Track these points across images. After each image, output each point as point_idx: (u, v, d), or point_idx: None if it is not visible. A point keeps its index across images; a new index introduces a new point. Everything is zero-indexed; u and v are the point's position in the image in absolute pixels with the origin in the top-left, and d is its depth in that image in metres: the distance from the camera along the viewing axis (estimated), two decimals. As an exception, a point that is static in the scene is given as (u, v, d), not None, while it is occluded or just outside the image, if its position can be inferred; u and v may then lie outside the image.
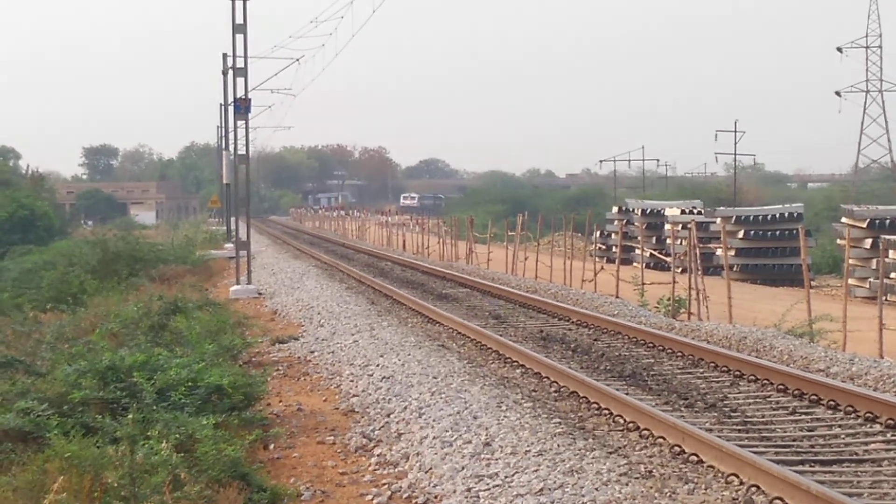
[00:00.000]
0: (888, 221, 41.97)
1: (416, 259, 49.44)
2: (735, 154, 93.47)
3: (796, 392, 14.85)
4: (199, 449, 11.27)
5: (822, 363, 17.07)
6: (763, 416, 13.74)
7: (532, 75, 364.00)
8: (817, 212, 72.16)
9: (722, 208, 57.03)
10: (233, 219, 53.56)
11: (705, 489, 10.46)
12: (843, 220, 44.00)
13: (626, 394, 14.57)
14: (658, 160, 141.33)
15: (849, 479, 10.81)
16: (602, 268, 35.80)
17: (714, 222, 49.49)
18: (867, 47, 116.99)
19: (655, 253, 45.91)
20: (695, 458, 11.46)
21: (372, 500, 11.24)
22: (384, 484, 11.70)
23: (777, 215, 51.37)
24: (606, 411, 13.93)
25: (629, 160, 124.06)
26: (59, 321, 25.26)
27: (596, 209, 65.57)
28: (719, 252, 44.07)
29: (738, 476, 10.64)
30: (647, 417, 12.90)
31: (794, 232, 43.57)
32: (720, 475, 10.86)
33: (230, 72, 39.69)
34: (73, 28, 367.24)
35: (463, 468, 11.39)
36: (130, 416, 11.73)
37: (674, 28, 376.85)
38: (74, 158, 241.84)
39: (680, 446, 11.82)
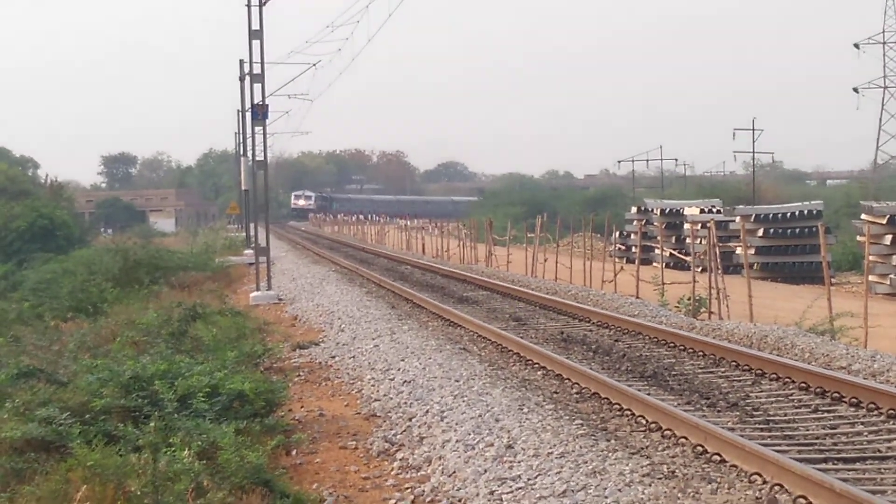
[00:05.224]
0: (908, 217, 41.77)
1: (435, 262, 49.40)
2: (753, 152, 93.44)
3: (818, 390, 14.80)
4: (221, 456, 11.28)
5: (844, 360, 17.01)
6: (785, 415, 13.69)
7: (549, 76, 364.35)
8: (837, 209, 71.91)
9: (741, 207, 56.97)
10: (252, 225, 53.65)
11: (728, 489, 10.42)
12: (863, 216, 43.86)
13: (648, 394, 14.53)
14: (676, 160, 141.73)
15: (872, 476, 10.76)
16: (622, 268, 35.73)
17: (733, 221, 49.38)
18: (884, 43, 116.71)
19: (675, 253, 45.86)
20: (717, 457, 11.42)
21: (395, 504, 11.25)
22: (407, 488, 11.70)
23: (796, 213, 51.23)
24: (628, 412, 13.90)
25: (647, 160, 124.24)
26: (80, 330, 25.32)
27: (615, 210, 65.58)
28: (739, 251, 44.14)
29: (761, 475, 10.60)
30: (669, 418, 12.86)
31: (814, 229, 43.52)
32: (743, 474, 10.82)
33: (247, 78, 39.84)
34: (91, 37, 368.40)
35: (486, 471, 11.37)
36: (152, 423, 11.75)
37: (691, 27, 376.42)
38: (93, 167, 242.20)
39: (702, 446, 11.78)
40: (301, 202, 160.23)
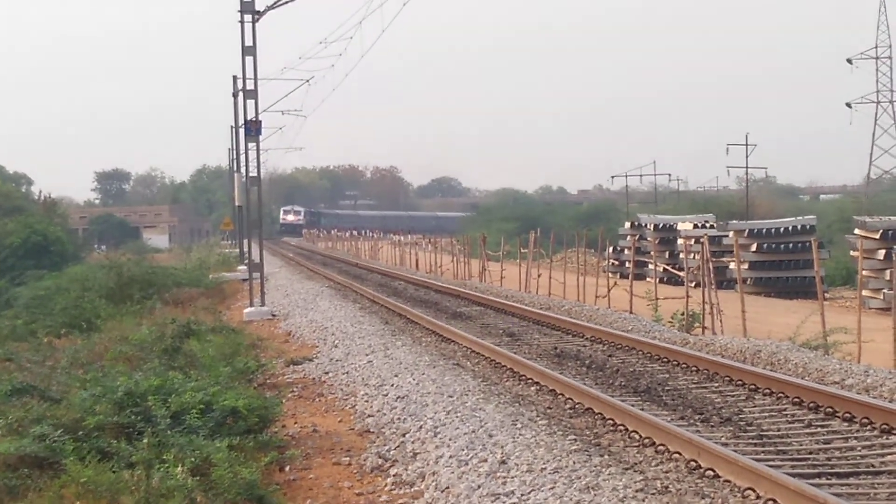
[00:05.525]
0: (901, 232, 41.74)
1: (429, 278, 49.40)
2: (747, 167, 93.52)
3: (812, 405, 14.81)
4: (214, 472, 11.28)
5: (837, 375, 17.02)
6: (779, 430, 13.70)
7: (543, 92, 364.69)
8: (830, 223, 71.91)
9: (734, 222, 56.92)
10: (245, 241, 53.66)
11: (722, 504, 10.44)
12: (856, 231, 43.83)
13: (642, 409, 14.54)
14: (670, 175, 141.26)
15: (865, 491, 10.77)
16: (615, 283, 35.71)
17: (727, 236, 49.36)
18: (877, 58, 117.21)
19: (668, 268, 45.85)
20: (711, 472, 11.43)
21: (388, 520, 11.24)
22: (400, 504, 11.70)
23: (790, 228, 51.23)
24: (622, 427, 13.91)
25: (641, 175, 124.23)
26: (74, 346, 25.31)
27: (608, 225, 65.43)
28: (732, 266, 44.03)
29: (754, 490, 10.61)
30: (662, 433, 12.87)
31: (807, 244, 43.51)
32: (737, 490, 10.83)
33: (240, 94, 39.83)
34: (84, 53, 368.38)
35: (479, 487, 11.36)
36: (145, 440, 11.76)
37: (683, 42, 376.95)
38: (86, 183, 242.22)
39: (696, 461, 11.79)
40: (290, 217, 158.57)
